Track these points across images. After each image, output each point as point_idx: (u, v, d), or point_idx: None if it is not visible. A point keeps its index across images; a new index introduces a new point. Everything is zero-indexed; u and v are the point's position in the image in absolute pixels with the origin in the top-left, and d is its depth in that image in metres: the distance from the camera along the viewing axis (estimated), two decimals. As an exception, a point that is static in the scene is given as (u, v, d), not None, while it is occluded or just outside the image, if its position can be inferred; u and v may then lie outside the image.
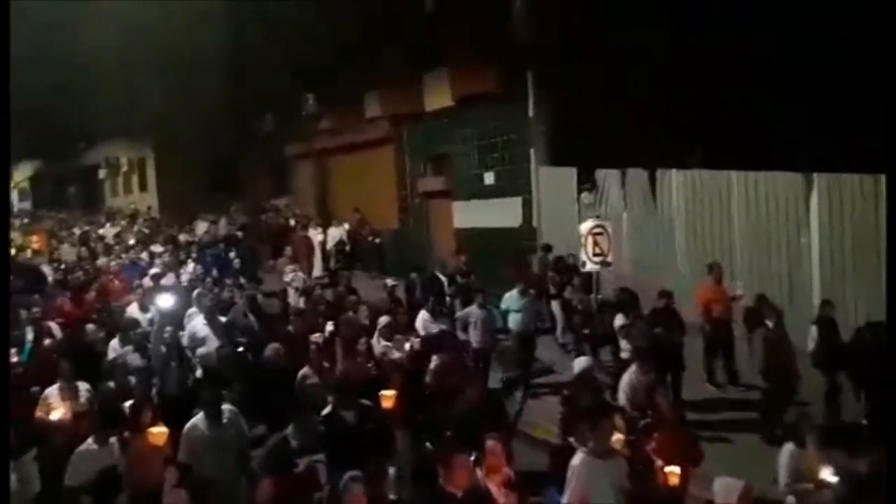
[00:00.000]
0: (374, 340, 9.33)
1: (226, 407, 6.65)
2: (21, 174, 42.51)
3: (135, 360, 9.11)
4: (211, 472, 6.27)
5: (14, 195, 43.82)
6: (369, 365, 8.65)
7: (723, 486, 5.98)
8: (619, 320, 9.89)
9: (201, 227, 22.28)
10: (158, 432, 6.32)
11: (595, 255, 9.74)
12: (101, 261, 17.34)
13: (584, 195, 13.80)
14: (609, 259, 9.90)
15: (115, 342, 9.63)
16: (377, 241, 19.33)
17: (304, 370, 8.31)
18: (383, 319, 9.75)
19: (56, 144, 34.31)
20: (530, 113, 14.63)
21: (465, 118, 16.60)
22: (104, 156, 33.44)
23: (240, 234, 20.83)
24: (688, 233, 12.38)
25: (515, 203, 15.42)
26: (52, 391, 7.66)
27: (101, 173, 33.71)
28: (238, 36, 22.37)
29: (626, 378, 7.60)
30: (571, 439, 6.12)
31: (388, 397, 7.10)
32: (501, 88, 15.04)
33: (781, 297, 10.62)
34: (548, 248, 13.78)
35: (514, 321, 11.00)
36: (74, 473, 5.95)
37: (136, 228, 23.11)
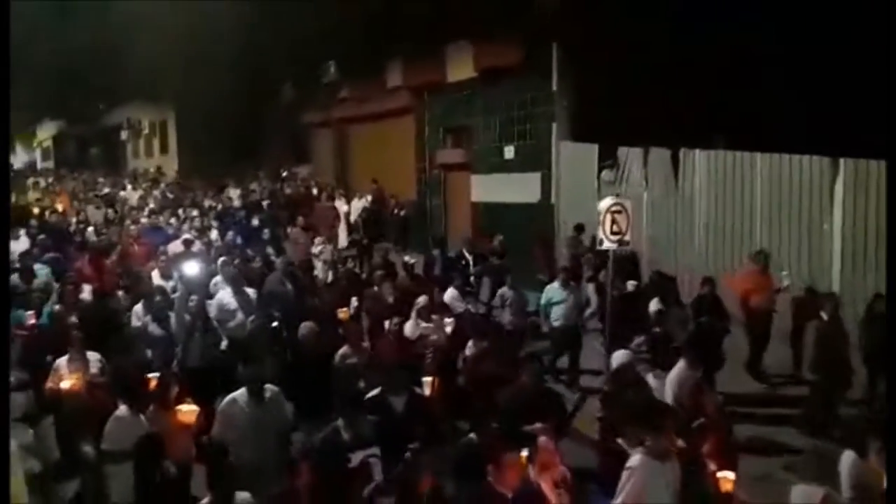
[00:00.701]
0: (411, 321, 8.94)
1: (267, 385, 6.31)
2: (45, 133, 42.88)
3: (155, 329, 8.94)
4: (248, 453, 5.81)
5: (37, 154, 44.28)
6: (408, 346, 8.23)
7: (801, 494, 5.57)
8: (654, 305, 9.58)
9: (233, 192, 21.72)
10: (188, 410, 6.06)
11: (613, 233, 9.63)
12: (126, 224, 16.91)
13: (604, 173, 13.68)
14: (627, 238, 9.79)
15: (138, 309, 9.44)
16: (402, 213, 19.03)
17: (344, 349, 7.94)
18: (422, 299, 9.26)
19: (79, 104, 34.50)
20: (554, 87, 14.49)
21: (488, 90, 16.44)
22: (126, 117, 33.57)
23: (265, 202, 20.35)
24: (709, 215, 12.24)
25: (535, 178, 15.29)
26: (63, 362, 7.57)
27: (123, 134, 33.86)
28: (262, 3, 22.19)
29: (675, 374, 7.17)
30: (620, 441, 5.62)
31: (428, 384, 6.74)
32: (525, 61, 14.86)
33: (801, 281, 10.53)
34: (580, 228, 13.20)
35: (556, 315, 10.29)
36: (113, 439, 5.83)
37: (159, 192, 22.70)
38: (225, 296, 9.60)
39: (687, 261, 12.22)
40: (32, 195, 21.90)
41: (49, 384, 7.56)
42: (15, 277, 11.15)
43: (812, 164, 10.55)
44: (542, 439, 5.28)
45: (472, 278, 12.27)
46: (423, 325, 8.79)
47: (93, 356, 7.65)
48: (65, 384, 7.26)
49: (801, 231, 10.82)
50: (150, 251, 13.45)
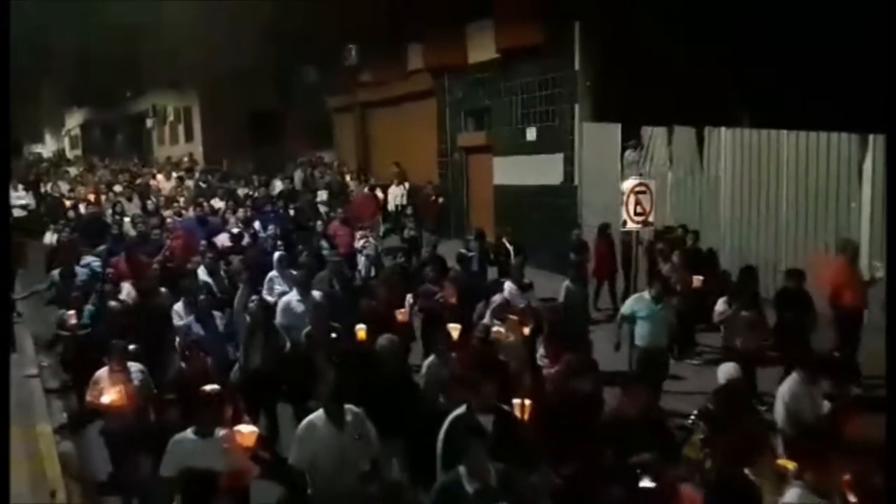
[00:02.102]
0: (486, 321, 8.13)
1: (348, 406, 5.59)
2: (72, 121, 43.39)
3: (198, 329, 8.18)
4: (326, 483, 5.35)
5: (66, 142, 44.83)
6: (493, 355, 7.14)
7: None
8: (720, 306, 8.71)
9: (277, 185, 20.53)
10: (248, 432, 5.58)
11: (636, 214, 9.56)
12: (167, 215, 15.60)
13: (627, 153, 13.53)
14: (651, 219, 9.71)
15: (179, 307, 8.87)
16: (440, 200, 18.32)
17: (432, 359, 7.14)
18: (498, 297, 8.53)
19: (105, 92, 34.81)
20: (576, 67, 14.34)
21: (509, 71, 16.32)
22: (151, 104, 33.83)
23: (301, 188, 19.74)
24: (734, 194, 12.08)
25: (557, 160, 15.18)
26: (103, 374, 6.97)
27: (149, 122, 34.12)
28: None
29: (787, 388, 6.27)
30: (748, 472, 4.92)
31: (519, 406, 5.80)
32: (547, 41, 14.72)
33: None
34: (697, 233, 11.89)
35: (641, 333, 8.41)
36: (169, 463, 5.41)
37: (192, 182, 21.64)
38: (292, 298, 8.75)
39: (711, 242, 12.08)
40: (64, 186, 21.11)
41: (89, 398, 7.04)
42: (55, 274, 10.92)
43: (840, 142, 10.35)
44: (687, 489, 4.65)
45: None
46: (497, 327, 7.82)
47: (134, 366, 7.06)
48: (105, 399, 6.75)
49: (828, 209, 10.65)
50: (193, 245, 12.37)
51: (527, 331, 7.95)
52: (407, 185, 19.09)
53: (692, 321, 10.26)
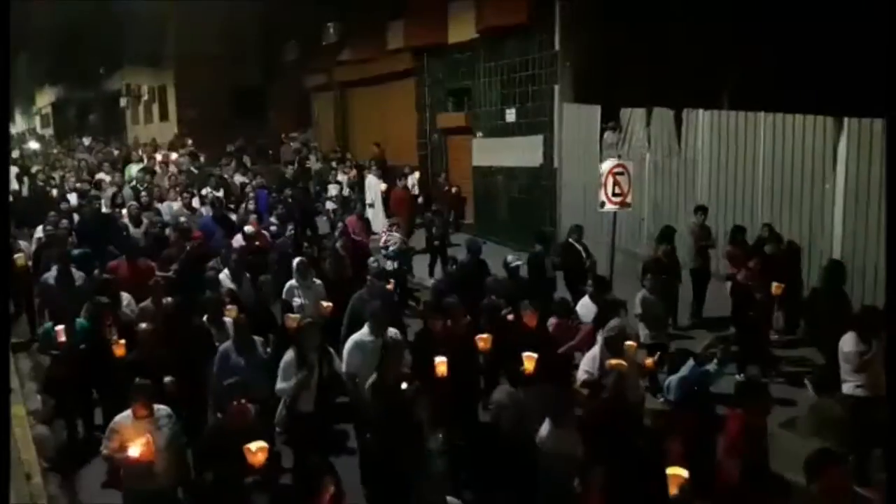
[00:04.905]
0: (593, 354, 6.73)
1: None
2: (43, 100, 42.66)
3: (239, 361, 6.65)
4: None
5: (37, 121, 44.08)
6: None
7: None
8: (848, 345, 6.69)
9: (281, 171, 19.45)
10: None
11: (615, 195, 9.64)
12: (164, 210, 13.66)
13: (606, 134, 13.59)
14: (629, 200, 9.80)
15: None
16: (454, 190, 17.37)
17: (548, 428, 5.49)
18: (614, 322, 6.90)
19: (78, 70, 34.26)
20: (556, 48, 14.34)
21: (489, 51, 16.28)
22: (125, 83, 33.34)
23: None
24: (711, 175, 12.20)
25: (537, 141, 15.21)
26: (124, 420, 5.59)
27: (123, 101, 33.63)
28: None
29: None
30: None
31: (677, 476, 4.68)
32: (527, 20, 14.69)
33: (801, 242, 10.53)
34: (703, 210, 11.22)
35: (677, 389, 6.57)
36: None
37: (175, 167, 19.49)
38: (364, 338, 6.84)
39: (688, 224, 12.22)
40: (41, 174, 18.30)
41: (106, 450, 5.59)
42: (50, 277, 9.34)
43: (816, 124, 10.48)
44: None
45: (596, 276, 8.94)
46: (611, 359, 6.37)
47: (161, 410, 5.67)
48: (133, 451, 5.27)
49: (803, 191, 10.79)
50: (207, 246, 10.96)
51: (650, 362, 7.02)
52: (417, 174, 18.22)
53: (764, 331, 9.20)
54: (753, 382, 6.28)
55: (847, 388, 6.76)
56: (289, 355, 6.45)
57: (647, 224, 13.07)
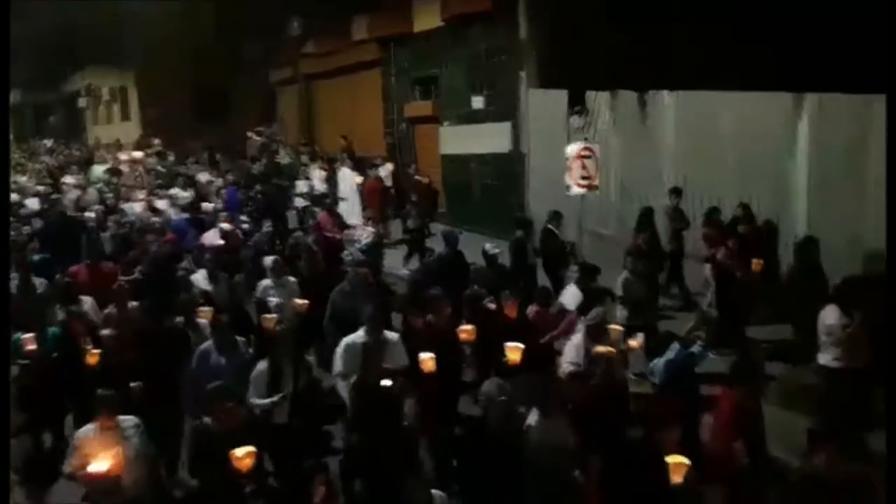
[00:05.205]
0: (576, 342, 6.61)
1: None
2: None
3: (220, 362, 6.43)
4: None
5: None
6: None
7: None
8: (830, 317, 6.83)
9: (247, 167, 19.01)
10: None
11: (582, 178, 9.74)
12: (129, 210, 13.32)
13: (573, 119, 13.67)
14: (596, 182, 9.88)
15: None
16: (427, 180, 16.91)
17: (536, 417, 5.43)
18: (596, 312, 6.81)
19: (36, 71, 33.54)
20: (521, 34, 14.38)
21: (455, 39, 16.29)
22: (86, 83, 32.77)
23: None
24: (677, 157, 12.34)
25: (504, 128, 15.28)
26: (87, 433, 5.31)
27: (82, 102, 33.06)
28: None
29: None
30: None
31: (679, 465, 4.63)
32: (492, 7, 14.71)
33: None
34: (677, 191, 11.31)
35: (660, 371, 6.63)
36: None
37: (143, 169, 19.10)
38: (357, 340, 6.59)
39: (655, 206, 12.36)
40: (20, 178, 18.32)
41: (69, 468, 5.29)
42: (12, 285, 8.74)
43: (776, 100, 10.62)
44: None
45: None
46: (598, 347, 6.37)
47: (127, 421, 5.37)
48: (100, 466, 4.90)
49: (766, 168, 10.96)
50: (177, 246, 10.79)
51: (636, 344, 6.83)
52: (390, 165, 18.07)
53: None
54: (747, 362, 6.22)
55: (824, 359, 6.92)
56: (261, 366, 6.25)
57: (616, 207, 13.20)
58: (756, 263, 8.95)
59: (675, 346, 6.56)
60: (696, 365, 6.63)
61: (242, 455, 4.78)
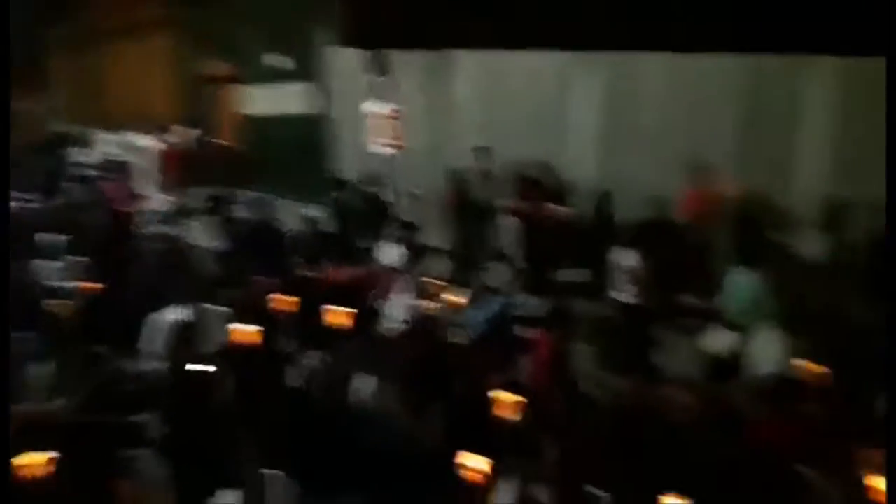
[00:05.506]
0: (402, 301, 6.56)
1: None
2: None
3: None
4: None
5: None
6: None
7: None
8: (628, 260, 7.65)
9: None
10: None
11: (393, 138, 9.80)
12: None
13: (375, 78, 13.67)
14: (398, 143, 9.95)
15: None
16: (229, 145, 16.32)
17: (373, 386, 5.36)
18: (418, 268, 6.83)
19: None
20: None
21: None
22: None
23: None
24: (479, 115, 12.71)
25: (308, 88, 15.00)
26: None
27: None
28: None
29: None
30: None
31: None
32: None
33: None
34: (485, 150, 11.24)
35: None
36: None
37: None
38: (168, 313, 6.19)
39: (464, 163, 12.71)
40: None
41: None
42: None
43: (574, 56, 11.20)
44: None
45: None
46: (424, 303, 6.37)
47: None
48: None
49: (563, 123, 11.57)
50: None
51: (462, 300, 6.71)
52: (190, 130, 16.89)
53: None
54: (560, 308, 6.66)
55: (622, 297, 7.96)
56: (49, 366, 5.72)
57: (426, 167, 13.40)
58: (557, 213, 9.61)
59: (490, 298, 6.88)
60: (510, 314, 6.98)
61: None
